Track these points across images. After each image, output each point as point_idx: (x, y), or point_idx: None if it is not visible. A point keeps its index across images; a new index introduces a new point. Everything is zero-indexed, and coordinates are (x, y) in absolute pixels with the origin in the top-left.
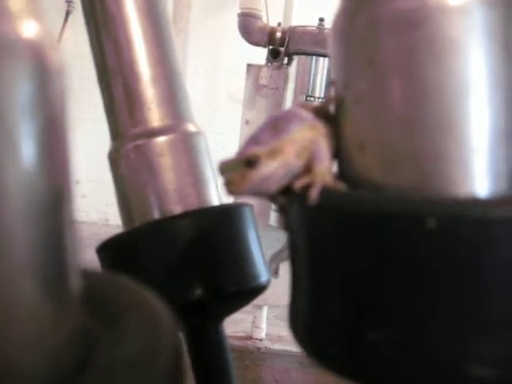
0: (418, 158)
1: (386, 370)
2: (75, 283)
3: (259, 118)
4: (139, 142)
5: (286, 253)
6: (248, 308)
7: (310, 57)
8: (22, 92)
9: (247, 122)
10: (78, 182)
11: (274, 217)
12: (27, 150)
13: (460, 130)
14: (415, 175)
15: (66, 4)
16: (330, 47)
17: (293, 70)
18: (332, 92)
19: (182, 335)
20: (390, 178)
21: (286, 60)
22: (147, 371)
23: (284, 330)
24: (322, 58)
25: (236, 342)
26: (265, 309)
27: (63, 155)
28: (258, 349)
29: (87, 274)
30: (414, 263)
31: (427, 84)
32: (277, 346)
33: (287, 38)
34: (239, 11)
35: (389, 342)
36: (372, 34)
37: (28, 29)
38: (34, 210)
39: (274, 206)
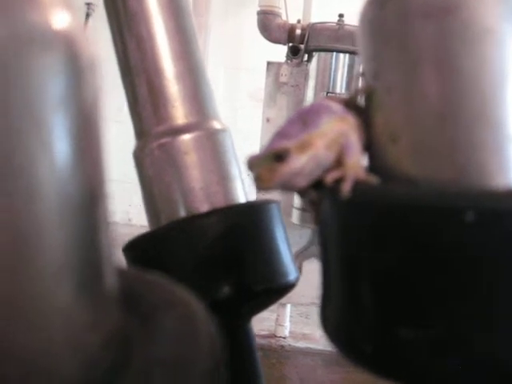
0: (453, 148)
1: (422, 369)
2: (111, 283)
3: (280, 115)
4: (164, 140)
5: (309, 251)
6: (271, 306)
7: (330, 53)
8: (54, 85)
9: (268, 120)
10: None
11: (296, 215)
12: (60, 145)
13: (496, 118)
14: (450, 166)
15: (86, 6)
16: (359, 37)
17: (313, 66)
18: (360, 84)
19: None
20: (424, 170)
21: (306, 57)
22: (184, 374)
23: (308, 328)
24: (342, 55)
25: (260, 341)
26: (288, 307)
27: (97, 151)
28: (282, 347)
29: (120, 272)
30: (450, 258)
31: (462, 72)
32: (301, 344)
33: (307, 35)
34: (258, 9)
35: (424, 341)
36: (403, 22)
37: (60, 19)
38: (68, 207)
39: (296, 204)
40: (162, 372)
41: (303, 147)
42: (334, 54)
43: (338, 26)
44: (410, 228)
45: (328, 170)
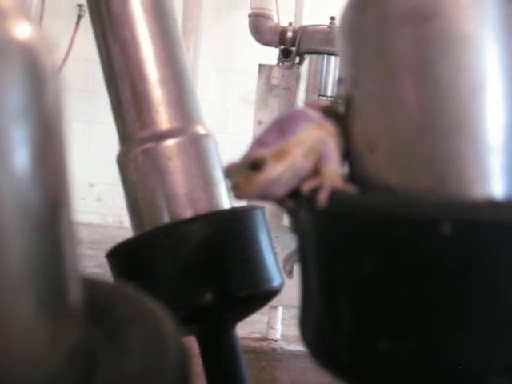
0: (432, 158)
1: (398, 379)
2: (76, 295)
3: (272, 118)
4: (147, 145)
5: None
6: (263, 309)
7: (321, 56)
8: (14, 96)
9: (260, 122)
10: (92, 185)
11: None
12: (20, 157)
13: (475, 128)
14: (429, 176)
15: (78, 8)
16: (338, 44)
17: (304, 69)
18: (341, 90)
19: (188, 344)
20: (402, 180)
21: (297, 59)
22: None
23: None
24: (333, 57)
25: (252, 343)
26: (280, 309)
27: (59, 162)
28: (274, 350)
29: (88, 284)
30: (427, 270)
31: (440, 80)
32: (292, 347)
33: (298, 38)
34: (250, 11)
35: (401, 352)
36: (382, 29)
37: (21, 30)
38: (29, 220)
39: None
40: None
41: (280, 155)
42: (326, 56)
43: (329, 29)
44: (387, 239)
45: (305, 179)
